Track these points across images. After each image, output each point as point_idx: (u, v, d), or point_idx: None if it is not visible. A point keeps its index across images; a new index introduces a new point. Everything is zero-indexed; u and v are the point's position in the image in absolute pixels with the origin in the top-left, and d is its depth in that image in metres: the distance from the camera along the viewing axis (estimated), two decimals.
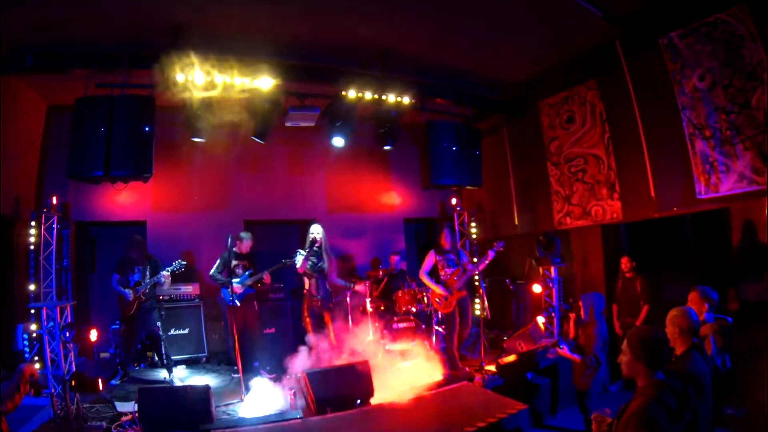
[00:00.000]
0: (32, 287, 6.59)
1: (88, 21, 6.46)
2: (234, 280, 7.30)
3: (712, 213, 7.23)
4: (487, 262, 7.58)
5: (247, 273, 7.60)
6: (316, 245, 7.58)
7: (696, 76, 6.99)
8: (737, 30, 6.41)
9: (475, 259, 8.97)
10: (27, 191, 8.16)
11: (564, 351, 5.89)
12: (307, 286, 7.63)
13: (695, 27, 6.84)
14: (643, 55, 7.59)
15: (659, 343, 2.91)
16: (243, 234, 7.86)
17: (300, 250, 7.64)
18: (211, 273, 7.60)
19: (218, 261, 7.61)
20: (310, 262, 7.56)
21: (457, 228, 10.58)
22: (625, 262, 7.92)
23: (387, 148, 9.05)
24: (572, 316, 6.50)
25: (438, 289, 7.57)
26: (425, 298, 8.43)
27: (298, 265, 7.56)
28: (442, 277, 7.65)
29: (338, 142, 8.56)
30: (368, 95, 8.10)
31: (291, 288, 8.93)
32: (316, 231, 7.63)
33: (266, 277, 7.56)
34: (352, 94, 7.97)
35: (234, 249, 7.64)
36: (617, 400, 4.28)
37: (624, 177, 8.22)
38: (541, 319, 8.59)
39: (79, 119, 6.78)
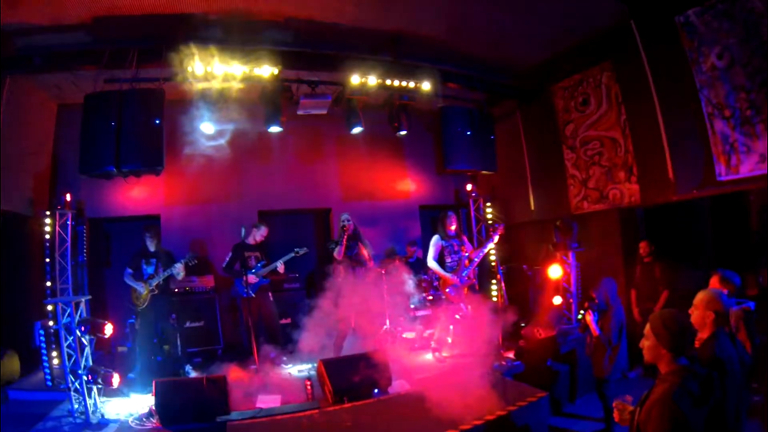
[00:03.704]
0: (48, 283, 6.63)
1: (93, 16, 6.44)
2: (248, 272, 7.29)
3: (730, 196, 7.08)
4: (489, 245, 7.52)
5: (260, 264, 7.58)
6: (348, 233, 7.42)
7: (714, 54, 6.80)
8: (756, 7, 6.22)
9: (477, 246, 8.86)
10: (41, 190, 8.20)
11: (590, 318, 5.77)
12: (342, 275, 7.37)
13: (712, 4, 6.65)
14: (659, 34, 7.39)
15: (683, 328, 2.82)
16: (256, 224, 7.84)
17: (334, 240, 7.53)
18: (224, 265, 7.58)
19: (231, 252, 7.59)
20: (346, 249, 7.44)
21: (473, 214, 10.48)
22: (643, 247, 7.78)
23: (401, 134, 9.01)
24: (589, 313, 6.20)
25: (450, 278, 7.41)
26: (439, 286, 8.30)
27: (335, 253, 7.44)
28: (448, 265, 7.50)
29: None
30: (380, 81, 8.02)
31: (304, 276, 8.89)
32: (344, 218, 7.48)
33: (280, 267, 7.53)
34: (364, 80, 7.90)
35: (248, 240, 7.63)
36: (637, 386, 4.20)
37: (642, 159, 8.06)
38: (558, 300, 8.51)
39: (89, 115, 6.80)
